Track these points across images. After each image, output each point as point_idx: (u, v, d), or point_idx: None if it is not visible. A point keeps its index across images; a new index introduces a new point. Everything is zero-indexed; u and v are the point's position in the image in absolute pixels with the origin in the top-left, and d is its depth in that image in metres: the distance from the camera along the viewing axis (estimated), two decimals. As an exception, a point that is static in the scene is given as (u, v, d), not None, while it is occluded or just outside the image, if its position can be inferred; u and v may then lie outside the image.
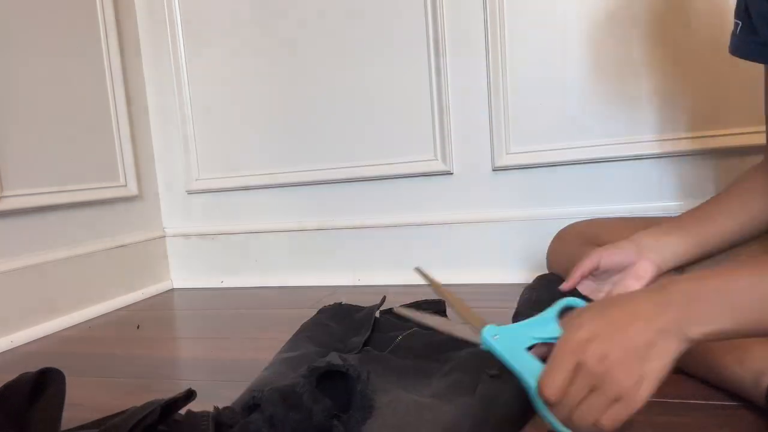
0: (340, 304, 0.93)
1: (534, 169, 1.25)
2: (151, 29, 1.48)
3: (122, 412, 0.56)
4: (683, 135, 1.15)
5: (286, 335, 0.91)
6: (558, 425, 0.48)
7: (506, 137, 1.25)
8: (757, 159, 0.80)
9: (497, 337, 0.54)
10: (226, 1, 1.41)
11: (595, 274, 0.73)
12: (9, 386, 0.55)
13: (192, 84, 1.47)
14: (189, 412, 0.57)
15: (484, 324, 0.56)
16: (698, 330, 0.47)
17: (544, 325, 0.54)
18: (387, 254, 1.37)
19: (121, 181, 1.40)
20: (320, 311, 0.91)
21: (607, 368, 0.45)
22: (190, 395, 0.57)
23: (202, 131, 1.48)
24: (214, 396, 0.76)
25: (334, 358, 0.60)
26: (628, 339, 0.46)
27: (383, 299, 0.90)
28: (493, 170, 1.27)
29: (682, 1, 1.12)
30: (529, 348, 0.53)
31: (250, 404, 0.55)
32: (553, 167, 1.23)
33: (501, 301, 0.99)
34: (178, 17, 1.45)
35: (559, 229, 0.96)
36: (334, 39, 1.34)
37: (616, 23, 1.16)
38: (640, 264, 0.71)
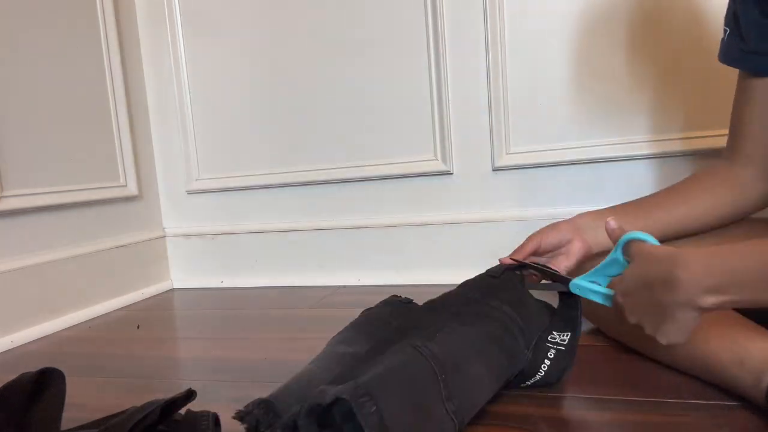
0: (410, 301, 0.90)
1: (534, 169, 1.25)
2: (151, 29, 1.48)
3: (122, 412, 0.56)
4: (680, 136, 1.15)
5: (286, 335, 0.92)
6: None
7: (506, 137, 1.25)
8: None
9: (579, 281, 0.67)
10: (227, 1, 1.41)
11: (537, 253, 0.79)
12: (9, 386, 0.55)
13: (192, 84, 1.47)
14: (189, 412, 0.57)
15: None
16: (710, 301, 0.52)
17: (612, 264, 0.64)
18: (387, 254, 1.37)
19: (121, 181, 1.40)
20: (387, 302, 0.89)
21: (645, 313, 0.57)
22: (190, 395, 0.57)
23: (202, 131, 1.48)
24: (214, 396, 0.76)
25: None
26: (659, 300, 0.55)
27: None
28: (493, 170, 1.27)
29: (683, 2, 1.12)
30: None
31: (289, 424, 0.54)
32: (553, 167, 1.23)
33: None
34: (178, 17, 1.45)
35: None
36: (334, 39, 1.34)
37: (616, 24, 1.16)
38: (573, 243, 0.77)
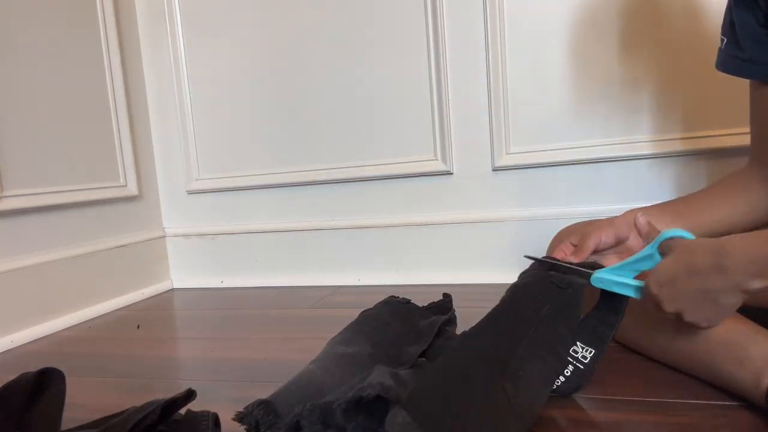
0: (408, 301, 0.90)
1: (534, 169, 1.25)
2: (151, 29, 1.48)
3: (122, 412, 0.56)
4: (680, 136, 1.15)
5: (286, 335, 0.92)
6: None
7: (506, 137, 1.25)
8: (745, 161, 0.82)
9: (602, 273, 0.66)
10: (227, 1, 1.41)
11: (595, 252, 0.75)
12: (9, 386, 0.55)
13: (192, 84, 1.47)
14: (189, 412, 0.58)
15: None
16: (756, 285, 0.54)
17: (644, 260, 0.64)
18: (387, 254, 1.37)
19: (121, 181, 1.40)
20: (385, 302, 0.89)
21: (682, 303, 0.59)
22: (190, 395, 0.57)
23: (202, 131, 1.48)
24: (214, 396, 0.76)
25: (382, 374, 0.57)
26: (696, 288, 0.58)
27: (452, 312, 0.89)
28: (493, 170, 1.27)
29: (683, 3, 1.12)
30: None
31: (292, 424, 0.53)
32: (553, 167, 1.23)
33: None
34: (178, 17, 1.45)
35: (559, 230, 0.96)
36: (334, 39, 1.34)
37: (616, 24, 1.16)
38: (631, 241, 0.74)
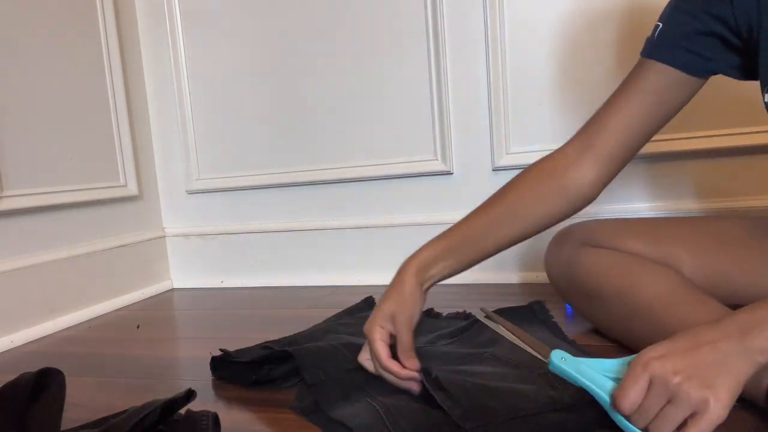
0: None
1: (534, 169, 1.25)
2: (151, 29, 1.48)
3: (122, 412, 0.56)
4: (676, 136, 1.15)
5: (286, 335, 0.91)
6: None
7: (506, 137, 1.25)
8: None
9: (564, 360, 0.55)
10: (227, 1, 1.41)
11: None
12: (9, 386, 0.55)
13: (192, 84, 1.47)
14: (189, 412, 0.58)
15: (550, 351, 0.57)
16: (763, 356, 0.48)
17: (612, 364, 0.53)
18: (387, 254, 1.36)
19: (121, 181, 1.40)
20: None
21: (679, 382, 0.47)
22: (190, 395, 0.57)
23: (202, 131, 1.48)
24: (214, 396, 0.76)
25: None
26: (698, 357, 0.48)
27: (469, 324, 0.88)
28: (493, 170, 1.27)
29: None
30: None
31: None
32: (553, 167, 1.23)
33: (500, 302, 0.99)
34: (178, 17, 1.45)
35: (558, 230, 0.96)
36: (334, 39, 1.34)
37: (616, 24, 1.16)
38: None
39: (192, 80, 1.47)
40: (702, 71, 0.71)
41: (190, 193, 1.52)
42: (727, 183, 1.15)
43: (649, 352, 0.50)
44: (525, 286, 1.22)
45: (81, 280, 1.26)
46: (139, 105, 1.48)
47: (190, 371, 0.91)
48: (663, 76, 0.72)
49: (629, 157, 0.75)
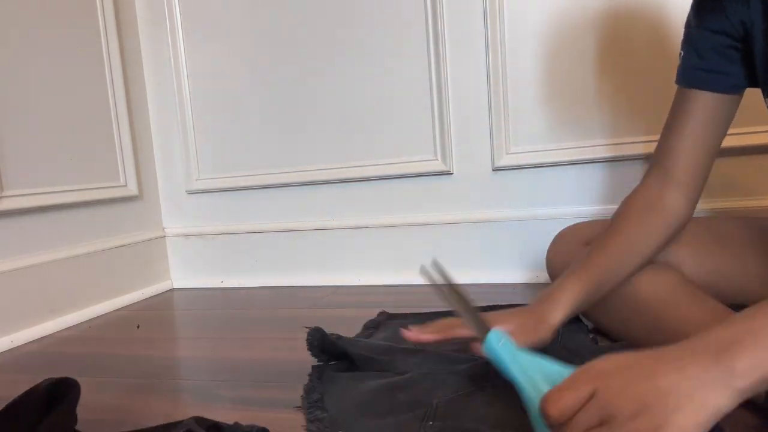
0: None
1: (534, 169, 1.25)
2: (151, 29, 1.48)
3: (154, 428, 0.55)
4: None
5: (286, 335, 0.92)
6: None
7: (506, 137, 1.25)
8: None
9: (502, 343, 0.51)
10: (227, 2, 1.41)
11: None
12: (23, 397, 0.53)
13: (192, 84, 1.47)
14: (237, 425, 0.57)
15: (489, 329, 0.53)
16: (743, 381, 0.39)
17: (563, 372, 0.47)
18: (387, 254, 1.37)
19: (121, 181, 1.40)
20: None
21: (620, 409, 0.39)
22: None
23: (202, 131, 1.48)
24: (214, 396, 0.76)
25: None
26: (657, 383, 0.40)
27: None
28: (493, 170, 1.27)
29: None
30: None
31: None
32: (554, 167, 1.23)
33: (500, 302, 0.99)
34: (178, 17, 1.45)
35: (559, 230, 0.96)
36: (334, 39, 1.34)
37: (616, 23, 1.16)
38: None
39: (192, 80, 1.47)
40: (729, 88, 0.72)
41: (190, 193, 1.52)
42: (728, 183, 1.15)
43: (603, 362, 0.43)
44: (525, 286, 1.22)
45: (81, 280, 1.26)
46: (139, 105, 1.48)
47: (190, 371, 0.91)
48: (700, 101, 0.73)
49: (706, 172, 0.76)
